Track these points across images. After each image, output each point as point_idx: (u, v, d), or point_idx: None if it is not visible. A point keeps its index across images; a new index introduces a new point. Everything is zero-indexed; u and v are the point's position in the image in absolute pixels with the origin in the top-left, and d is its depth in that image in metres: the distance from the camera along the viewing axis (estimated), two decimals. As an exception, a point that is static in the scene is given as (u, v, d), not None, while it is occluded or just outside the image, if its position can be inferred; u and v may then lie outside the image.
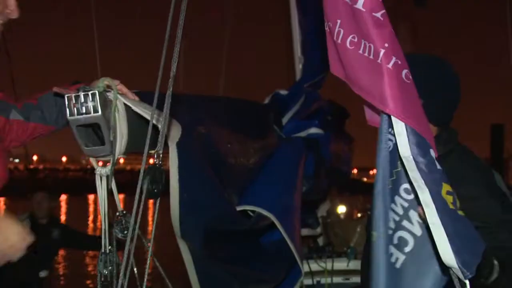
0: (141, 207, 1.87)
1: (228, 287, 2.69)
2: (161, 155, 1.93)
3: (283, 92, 3.85)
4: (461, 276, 1.63)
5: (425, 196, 1.68)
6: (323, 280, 4.03)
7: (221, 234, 2.66)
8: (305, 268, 3.39)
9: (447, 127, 2.35)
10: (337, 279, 4.14)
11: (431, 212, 1.65)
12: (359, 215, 8.96)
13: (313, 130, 3.67)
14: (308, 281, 3.94)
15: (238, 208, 2.80)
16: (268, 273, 2.87)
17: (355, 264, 4.31)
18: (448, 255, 1.63)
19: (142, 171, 1.89)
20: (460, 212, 1.68)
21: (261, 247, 3.00)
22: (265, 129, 3.29)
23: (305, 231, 4.07)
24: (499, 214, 2.13)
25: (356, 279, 4.11)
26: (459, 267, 1.61)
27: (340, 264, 4.26)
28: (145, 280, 1.96)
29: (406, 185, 1.81)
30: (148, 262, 1.95)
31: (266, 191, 2.98)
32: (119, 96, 2.07)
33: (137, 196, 1.87)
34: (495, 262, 1.81)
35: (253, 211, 2.84)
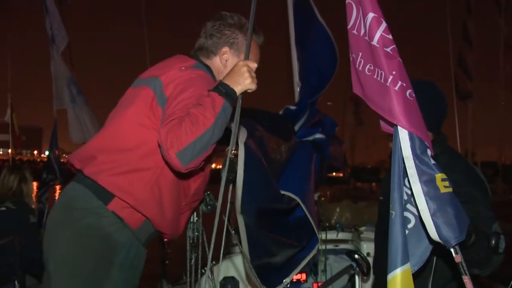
0: (222, 190, 1.99)
1: (269, 250, 2.76)
2: (233, 152, 2.06)
3: (292, 107, 3.94)
4: (446, 245, 1.71)
5: (416, 189, 1.74)
6: (319, 247, 4.13)
7: (267, 210, 2.74)
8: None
9: (439, 132, 2.44)
10: (329, 246, 4.29)
11: (420, 201, 1.73)
12: (322, 199, 8.93)
13: (318, 136, 3.74)
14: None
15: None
16: (296, 240, 2.95)
17: (342, 235, 4.48)
18: (432, 232, 1.71)
19: (227, 163, 2.03)
20: (453, 194, 1.74)
21: (291, 221, 3.09)
22: (289, 134, 3.40)
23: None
24: (476, 193, 2.22)
25: (343, 245, 4.33)
26: (441, 240, 1.71)
27: (331, 235, 4.41)
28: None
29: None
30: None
31: (292, 180, 3.06)
32: None
33: (222, 183, 2.01)
34: (473, 230, 1.89)
35: (283, 195, 2.90)
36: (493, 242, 1.96)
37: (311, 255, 3.01)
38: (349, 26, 1.95)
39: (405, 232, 1.79)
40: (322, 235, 4.22)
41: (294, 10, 4.71)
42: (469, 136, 19.05)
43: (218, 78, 2.34)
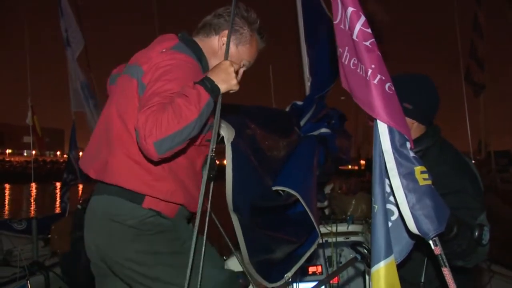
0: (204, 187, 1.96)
1: (266, 247, 2.67)
2: (214, 150, 1.98)
3: (299, 102, 3.85)
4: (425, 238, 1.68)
5: (396, 182, 1.70)
6: (329, 240, 4.02)
7: (261, 208, 2.66)
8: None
9: (432, 124, 2.36)
10: (340, 239, 4.15)
11: (399, 194, 1.69)
12: (339, 191, 8.89)
13: (323, 130, 3.64)
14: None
15: (273, 189, 2.79)
16: (295, 236, 2.86)
17: (353, 227, 4.32)
18: (411, 225, 1.67)
19: (209, 160, 1.95)
20: (432, 186, 1.69)
21: (289, 217, 2.99)
22: (290, 130, 3.28)
23: (315, 205, 4.07)
24: (464, 183, 2.15)
25: (354, 238, 4.17)
26: (420, 233, 1.66)
27: (342, 228, 4.25)
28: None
29: None
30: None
31: (292, 175, 2.97)
32: None
33: (204, 180, 1.94)
34: (455, 222, 1.85)
35: (283, 191, 2.83)
36: (477, 233, 1.93)
37: (311, 250, 2.88)
38: (336, 21, 1.90)
39: (388, 225, 1.74)
40: (333, 228, 4.11)
41: (303, 6, 4.63)
42: (481, 126, 18.55)
43: (209, 57, 2.26)
